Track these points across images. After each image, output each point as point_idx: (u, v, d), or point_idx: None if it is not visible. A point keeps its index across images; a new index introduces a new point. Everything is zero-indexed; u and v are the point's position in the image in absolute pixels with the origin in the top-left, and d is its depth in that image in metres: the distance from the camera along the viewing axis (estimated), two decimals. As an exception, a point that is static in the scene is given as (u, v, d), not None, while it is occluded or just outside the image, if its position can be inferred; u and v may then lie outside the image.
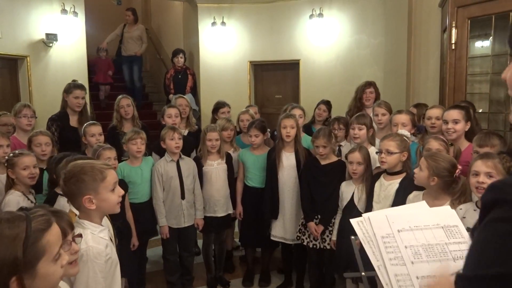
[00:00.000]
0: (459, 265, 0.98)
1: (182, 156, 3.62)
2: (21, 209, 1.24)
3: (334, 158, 3.46)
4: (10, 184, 2.74)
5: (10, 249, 1.09)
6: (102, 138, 3.63)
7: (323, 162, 3.43)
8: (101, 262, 1.75)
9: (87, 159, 2.17)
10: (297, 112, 4.04)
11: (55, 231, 1.22)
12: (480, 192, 2.18)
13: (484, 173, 2.16)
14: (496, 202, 0.67)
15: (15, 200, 2.62)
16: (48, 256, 1.17)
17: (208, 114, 5.52)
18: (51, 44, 5.83)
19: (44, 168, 3.15)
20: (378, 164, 3.04)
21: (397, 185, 2.78)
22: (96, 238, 1.77)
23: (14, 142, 3.51)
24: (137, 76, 7.73)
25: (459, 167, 2.42)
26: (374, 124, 3.61)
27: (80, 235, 1.54)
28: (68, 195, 1.82)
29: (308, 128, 4.45)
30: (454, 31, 3.95)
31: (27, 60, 5.67)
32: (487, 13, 3.81)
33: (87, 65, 6.34)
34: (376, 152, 2.96)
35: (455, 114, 3.00)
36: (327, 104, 4.75)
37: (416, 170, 2.47)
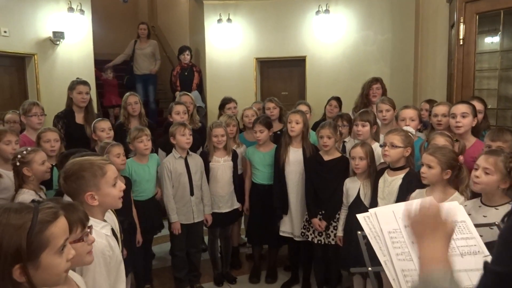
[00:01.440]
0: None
1: (190, 152, 3.64)
2: (33, 201, 1.25)
3: (337, 154, 3.45)
4: (20, 183, 2.70)
5: (14, 237, 1.11)
6: (112, 133, 3.67)
7: (326, 158, 3.43)
8: (105, 256, 1.76)
9: (94, 155, 2.18)
10: (303, 108, 4.03)
11: (60, 223, 1.23)
12: (475, 185, 2.18)
13: (482, 168, 2.15)
14: None
15: (30, 199, 2.61)
16: (51, 248, 1.19)
17: (214, 111, 5.52)
18: (58, 42, 5.87)
19: (53, 164, 3.18)
20: (382, 160, 3.03)
21: (400, 181, 2.77)
22: (99, 233, 1.78)
23: (24, 140, 3.52)
24: (152, 97, 7.20)
25: (460, 157, 2.47)
26: (378, 121, 3.60)
27: (90, 226, 1.56)
28: (70, 193, 1.82)
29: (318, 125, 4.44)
30: (462, 26, 3.92)
31: (34, 58, 5.71)
32: (496, 8, 3.77)
33: (95, 77, 6.30)
34: (380, 145, 2.95)
35: (463, 108, 3.01)
36: (338, 100, 4.73)
37: (424, 169, 2.43)
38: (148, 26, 7.34)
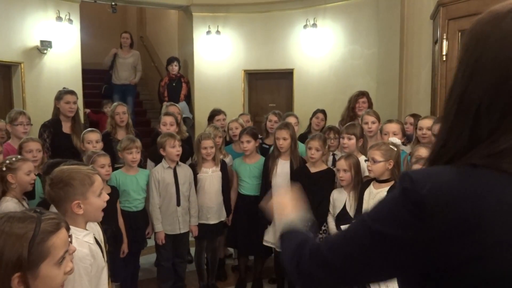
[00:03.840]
0: None
1: (179, 163, 3.64)
2: (35, 210, 1.25)
3: (324, 167, 3.50)
4: (4, 189, 2.69)
5: (16, 246, 1.12)
6: (99, 145, 3.62)
7: (313, 170, 3.46)
8: (85, 265, 1.76)
9: (82, 165, 2.18)
10: (291, 120, 4.08)
11: (62, 235, 1.24)
12: None
13: None
14: None
15: (12, 207, 2.58)
16: (51, 258, 1.19)
17: (202, 122, 5.54)
18: (45, 51, 5.83)
19: (36, 174, 3.15)
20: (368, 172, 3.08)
21: (385, 193, 2.81)
22: (81, 242, 1.78)
23: (8, 149, 3.49)
24: (131, 108, 6.70)
25: None
26: (364, 133, 3.65)
27: (70, 236, 1.56)
28: (55, 200, 1.81)
29: (305, 138, 4.47)
30: (445, 43, 4.02)
31: (21, 66, 5.67)
32: (477, 26, 3.88)
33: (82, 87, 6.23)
34: (365, 160, 3.00)
35: None
36: (324, 112, 4.79)
37: None
38: (131, 36, 7.24)
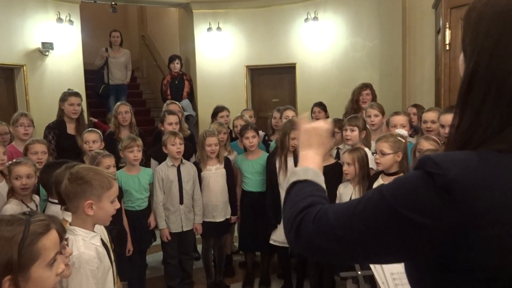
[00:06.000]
0: None
1: (183, 161, 3.64)
2: (24, 213, 1.25)
3: (331, 161, 3.47)
4: (12, 192, 2.71)
5: (5, 250, 1.12)
6: (96, 145, 3.60)
7: (321, 164, 3.43)
8: (93, 267, 1.76)
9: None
10: (290, 113, 4.06)
11: (52, 236, 1.23)
12: None
13: None
14: None
15: (12, 209, 2.58)
16: (42, 260, 1.19)
17: (205, 120, 5.53)
18: (47, 53, 5.84)
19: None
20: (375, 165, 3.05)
21: None
22: (88, 244, 1.78)
23: (11, 151, 3.51)
24: None
25: None
26: (367, 126, 3.62)
27: (67, 239, 1.56)
28: (69, 196, 1.81)
29: None
30: (447, 32, 3.98)
31: (23, 69, 5.68)
32: (480, 14, 3.84)
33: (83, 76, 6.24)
34: (373, 153, 2.98)
35: (451, 117, 2.97)
36: (320, 105, 4.77)
37: None
38: (121, 34, 7.20)
